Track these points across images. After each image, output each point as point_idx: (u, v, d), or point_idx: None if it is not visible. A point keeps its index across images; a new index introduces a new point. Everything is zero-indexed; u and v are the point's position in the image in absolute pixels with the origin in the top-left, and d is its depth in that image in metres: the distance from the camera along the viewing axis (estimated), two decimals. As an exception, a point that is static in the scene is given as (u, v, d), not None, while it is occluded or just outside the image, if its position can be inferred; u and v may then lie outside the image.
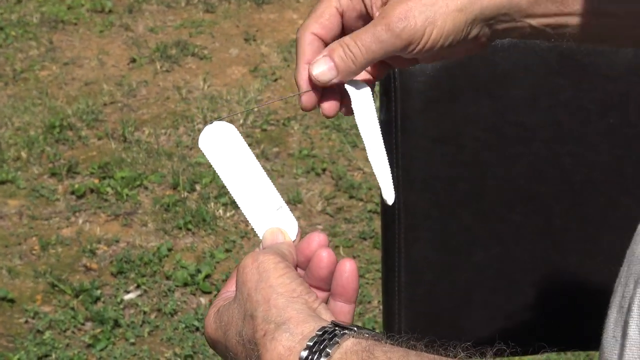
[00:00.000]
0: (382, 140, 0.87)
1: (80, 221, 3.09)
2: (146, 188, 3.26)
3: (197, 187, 3.24)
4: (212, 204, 3.13)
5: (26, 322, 2.67)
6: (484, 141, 1.30)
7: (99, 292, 2.76)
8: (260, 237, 0.84)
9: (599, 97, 1.29)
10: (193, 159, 3.36)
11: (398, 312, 1.38)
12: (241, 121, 3.56)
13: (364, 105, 0.86)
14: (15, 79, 3.94)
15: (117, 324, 2.66)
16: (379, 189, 0.87)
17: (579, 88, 1.29)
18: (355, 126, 3.33)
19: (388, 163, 0.87)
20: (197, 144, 0.86)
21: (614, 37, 0.89)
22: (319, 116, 3.64)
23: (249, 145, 0.85)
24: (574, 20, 0.84)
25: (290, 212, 0.84)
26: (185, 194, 3.20)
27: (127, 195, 3.20)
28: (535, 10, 0.84)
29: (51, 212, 3.14)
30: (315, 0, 0.87)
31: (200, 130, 3.65)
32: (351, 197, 3.17)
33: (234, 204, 3.11)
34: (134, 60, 4.10)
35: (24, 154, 3.41)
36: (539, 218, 1.34)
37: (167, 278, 2.83)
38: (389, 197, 0.86)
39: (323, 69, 0.82)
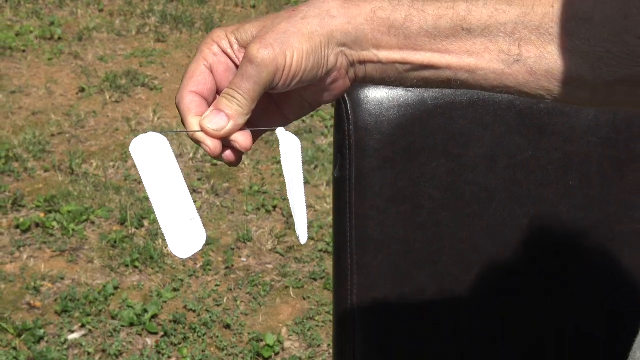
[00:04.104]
0: (303, 185, 0.92)
1: (25, 256, 3.02)
2: (93, 223, 3.19)
3: (145, 223, 3.18)
4: (160, 240, 3.07)
5: (-34, 362, 2.60)
6: (440, 201, 1.27)
7: (42, 331, 2.69)
8: (169, 245, 0.88)
9: (559, 157, 1.26)
10: (141, 193, 3.29)
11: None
12: (191, 155, 3.48)
13: (291, 151, 0.91)
14: (-39, 108, 3.87)
15: (60, 366, 2.59)
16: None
17: (538, 148, 1.26)
18: (306, 162, 3.27)
19: (305, 205, 0.92)
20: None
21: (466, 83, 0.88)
22: (270, 151, 3.59)
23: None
24: (421, 59, 0.86)
25: (201, 224, 0.89)
26: (133, 229, 3.13)
27: (73, 230, 3.13)
28: (379, 41, 0.85)
29: (-6, 246, 3.06)
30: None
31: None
32: (302, 235, 3.12)
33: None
34: (82, 90, 4.04)
35: (-33, 186, 3.34)
36: (495, 280, 1.31)
37: (113, 318, 2.77)
38: (303, 237, 0.91)
39: (216, 120, 0.86)
